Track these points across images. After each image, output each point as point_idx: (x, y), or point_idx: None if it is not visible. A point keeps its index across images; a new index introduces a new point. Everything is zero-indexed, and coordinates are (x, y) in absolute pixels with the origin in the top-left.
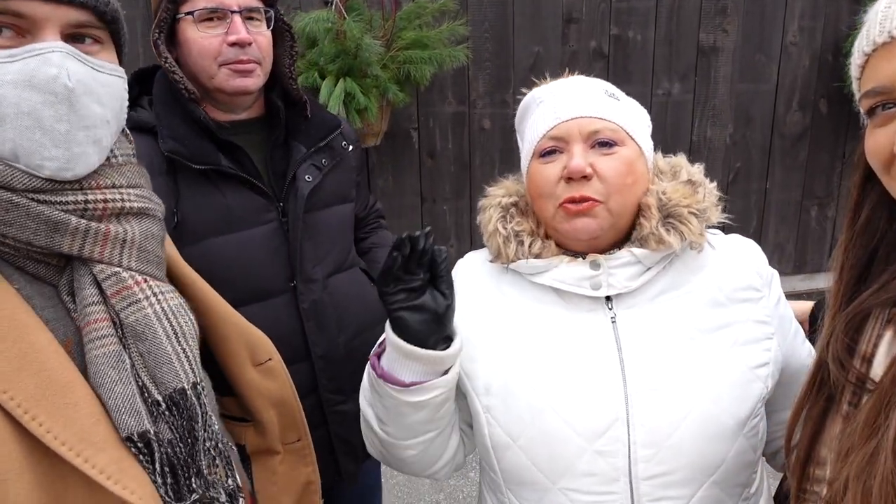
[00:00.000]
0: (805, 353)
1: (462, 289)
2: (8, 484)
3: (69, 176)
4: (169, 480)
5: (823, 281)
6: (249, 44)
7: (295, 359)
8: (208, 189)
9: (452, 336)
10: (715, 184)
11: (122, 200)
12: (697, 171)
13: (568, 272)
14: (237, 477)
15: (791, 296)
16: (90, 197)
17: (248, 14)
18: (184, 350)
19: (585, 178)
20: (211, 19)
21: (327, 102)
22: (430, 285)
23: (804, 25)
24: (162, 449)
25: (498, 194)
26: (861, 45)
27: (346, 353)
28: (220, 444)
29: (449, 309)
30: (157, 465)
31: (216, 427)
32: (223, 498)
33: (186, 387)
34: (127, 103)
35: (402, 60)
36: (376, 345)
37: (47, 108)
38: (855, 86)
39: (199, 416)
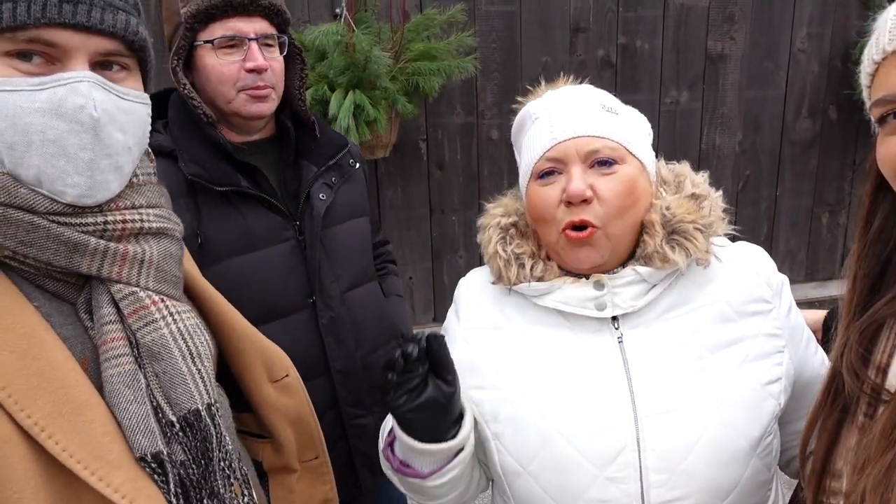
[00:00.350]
0: (818, 362)
1: (466, 314)
2: (23, 502)
3: (90, 202)
4: (181, 501)
5: (836, 288)
6: (266, 70)
7: (314, 374)
8: (228, 210)
9: (463, 413)
10: (721, 193)
11: (141, 221)
12: (702, 180)
13: (572, 293)
14: (254, 495)
15: (803, 303)
16: (109, 218)
17: (263, 41)
18: (199, 370)
19: (585, 201)
20: (230, 46)
21: (337, 115)
22: (431, 373)
23: (812, 32)
24: (175, 470)
25: (496, 213)
26: (871, 54)
27: (364, 366)
28: (234, 463)
29: (454, 395)
30: (171, 486)
31: (230, 447)
32: None
33: (201, 408)
34: (149, 129)
35: (411, 72)
36: (383, 433)
37: (73, 137)
38: (865, 94)
39: (214, 437)
